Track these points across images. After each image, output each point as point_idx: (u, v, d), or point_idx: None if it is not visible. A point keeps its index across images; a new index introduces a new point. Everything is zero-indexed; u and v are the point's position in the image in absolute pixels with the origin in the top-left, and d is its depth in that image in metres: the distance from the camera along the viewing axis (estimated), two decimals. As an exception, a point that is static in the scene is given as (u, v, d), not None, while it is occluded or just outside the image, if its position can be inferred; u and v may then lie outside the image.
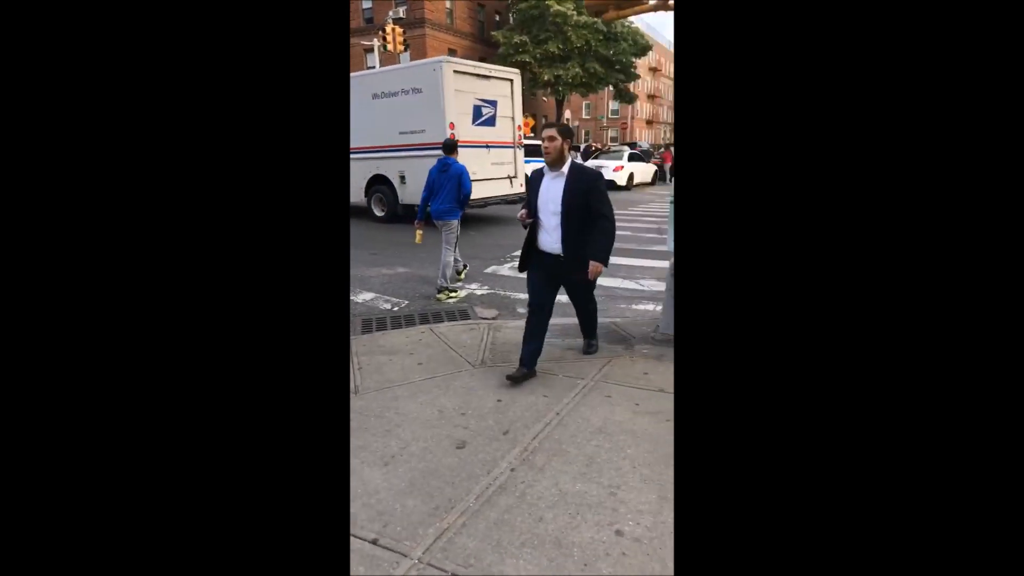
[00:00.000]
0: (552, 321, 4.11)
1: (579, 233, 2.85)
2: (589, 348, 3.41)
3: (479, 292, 5.14)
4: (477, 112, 8.67)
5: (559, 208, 2.83)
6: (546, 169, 2.92)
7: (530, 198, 3.02)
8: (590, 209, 2.83)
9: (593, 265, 2.82)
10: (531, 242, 3.02)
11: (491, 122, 8.96)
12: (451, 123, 8.12)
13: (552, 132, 2.82)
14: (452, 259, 5.04)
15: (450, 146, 5.06)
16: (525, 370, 2.96)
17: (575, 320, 4.20)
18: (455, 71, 8.26)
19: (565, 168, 2.86)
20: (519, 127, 9.41)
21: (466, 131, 8.25)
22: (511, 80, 9.30)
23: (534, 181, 3.00)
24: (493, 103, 8.95)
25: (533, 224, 2.99)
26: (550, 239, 2.91)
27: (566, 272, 2.93)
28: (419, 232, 5.09)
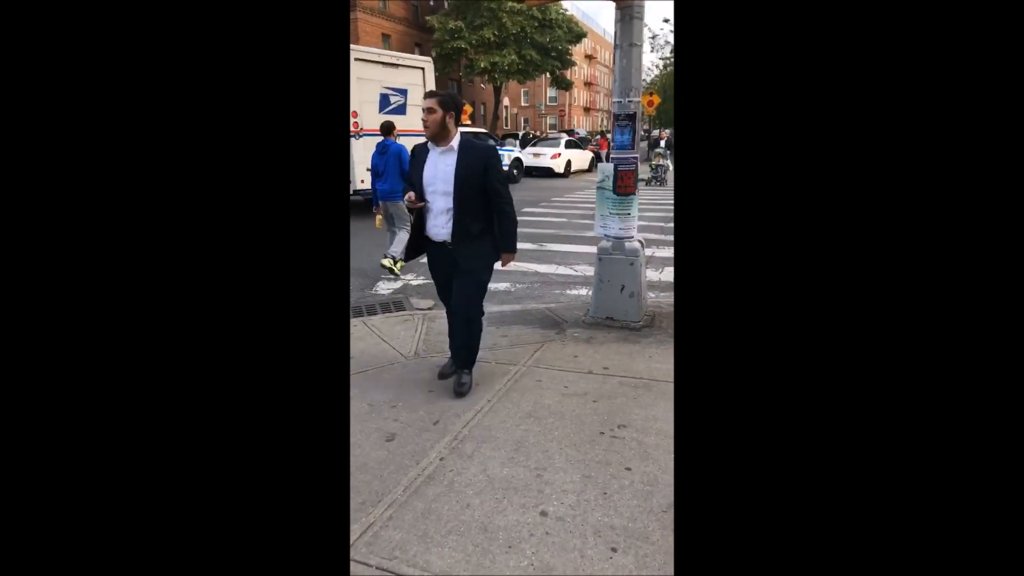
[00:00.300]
0: (489, 309, 4.14)
1: (475, 218, 2.47)
2: (460, 385, 2.66)
3: (415, 282, 5.07)
4: (384, 100, 8.68)
5: (450, 188, 2.42)
6: (431, 144, 2.49)
7: (413, 178, 2.56)
8: (487, 190, 2.45)
9: (506, 256, 2.60)
10: (419, 229, 2.60)
11: (401, 111, 8.91)
12: (354, 111, 7.99)
13: (431, 103, 2.38)
14: (407, 235, 5.11)
15: (387, 128, 5.23)
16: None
17: (512, 307, 4.24)
18: (356, 59, 8.17)
19: (454, 142, 2.43)
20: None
21: (372, 120, 8.08)
22: (423, 68, 9.38)
23: (417, 157, 2.55)
24: (403, 92, 8.97)
25: (420, 208, 2.55)
26: (438, 224, 2.50)
27: (457, 262, 2.53)
28: (379, 216, 5.27)
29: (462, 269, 2.54)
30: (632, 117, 3.33)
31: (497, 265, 2.66)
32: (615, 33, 3.32)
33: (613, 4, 3.28)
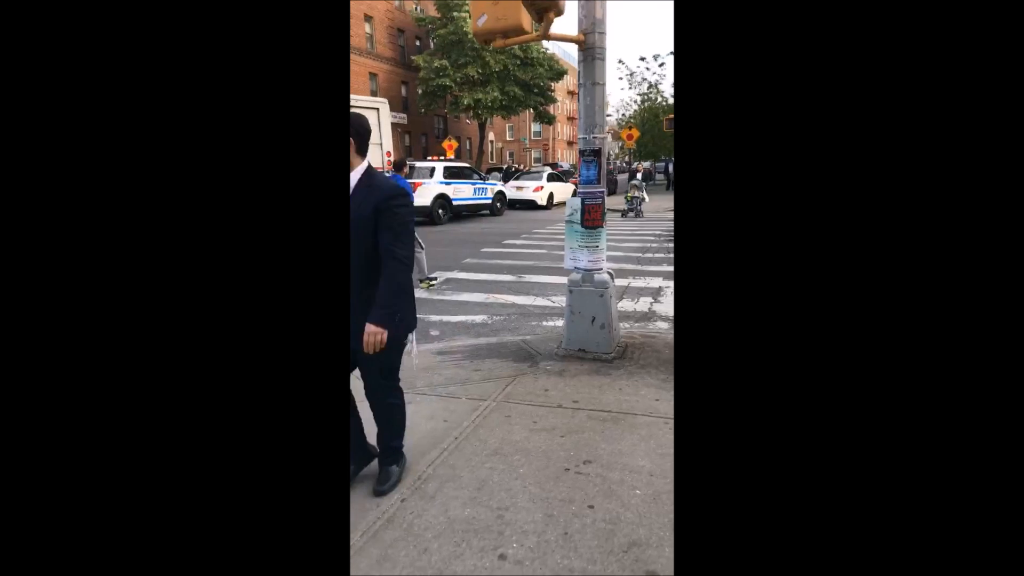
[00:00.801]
0: (459, 343, 4.11)
1: (366, 278, 1.88)
2: (381, 483, 2.11)
3: (391, 317, 5.04)
4: None
5: None
6: None
7: None
8: (378, 240, 1.85)
9: (370, 332, 1.82)
10: None
11: None
12: None
13: None
14: (423, 256, 5.88)
15: (399, 164, 6.17)
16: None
17: (488, 340, 4.22)
18: None
19: (352, 177, 1.89)
20: (388, 153, 10.44)
21: None
22: (377, 109, 10.00)
23: None
24: None
25: None
26: None
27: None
28: None
29: (359, 346, 1.87)
30: (597, 152, 3.41)
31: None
32: (579, 72, 3.43)
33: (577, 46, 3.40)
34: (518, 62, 23.45)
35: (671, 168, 26.13)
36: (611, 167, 27.21)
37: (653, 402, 2.89)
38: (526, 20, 2.97)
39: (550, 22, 3.05)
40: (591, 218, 3.45)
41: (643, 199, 13.90)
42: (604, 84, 3.39)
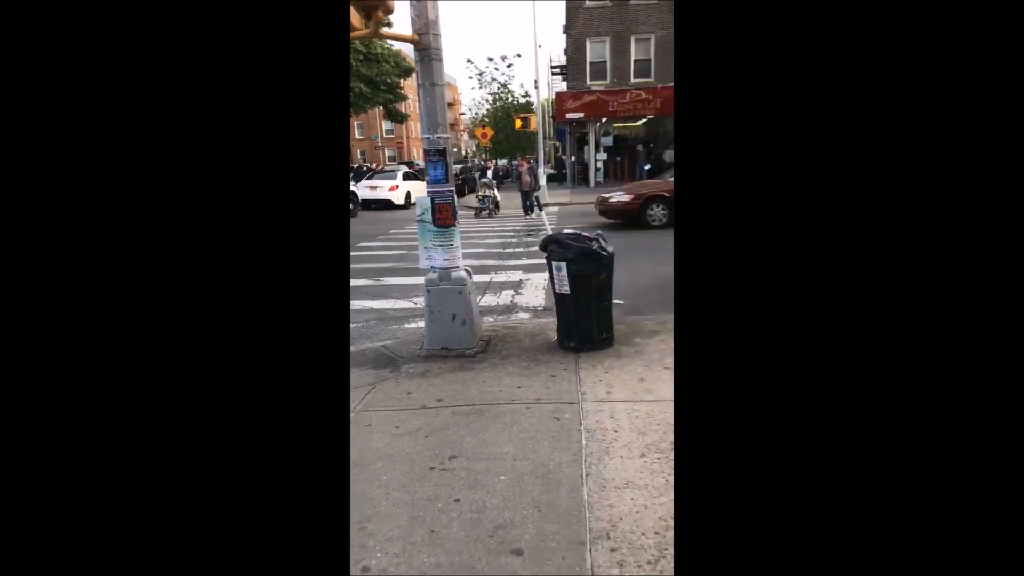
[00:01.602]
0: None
1: None
2: None
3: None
4: None
5: None
6: None
7: None
8: None
9: None
10: None
11: None
12: None
13: None
14: None
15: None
16: None
17: (372, 344, 4.02)
18: None
19: None
20: None
21: None
22: None
23: None
24: None
25: None
26: None
27: None
28: None
29: None
30: (442, 152, 3.45)
31: None
32: (417, 73, 3.42)
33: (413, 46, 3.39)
34: (360, 57, 22.58)
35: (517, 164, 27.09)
36: (469, 165, 27.53)
37: (515, 390, 3.03)
38: (355, 17, 2.87)
39: (379, 21, 3.00)
40: (442, 217, 3.48)
41: (494, 198, 14.15)
42: (443, 85, 3.42)
